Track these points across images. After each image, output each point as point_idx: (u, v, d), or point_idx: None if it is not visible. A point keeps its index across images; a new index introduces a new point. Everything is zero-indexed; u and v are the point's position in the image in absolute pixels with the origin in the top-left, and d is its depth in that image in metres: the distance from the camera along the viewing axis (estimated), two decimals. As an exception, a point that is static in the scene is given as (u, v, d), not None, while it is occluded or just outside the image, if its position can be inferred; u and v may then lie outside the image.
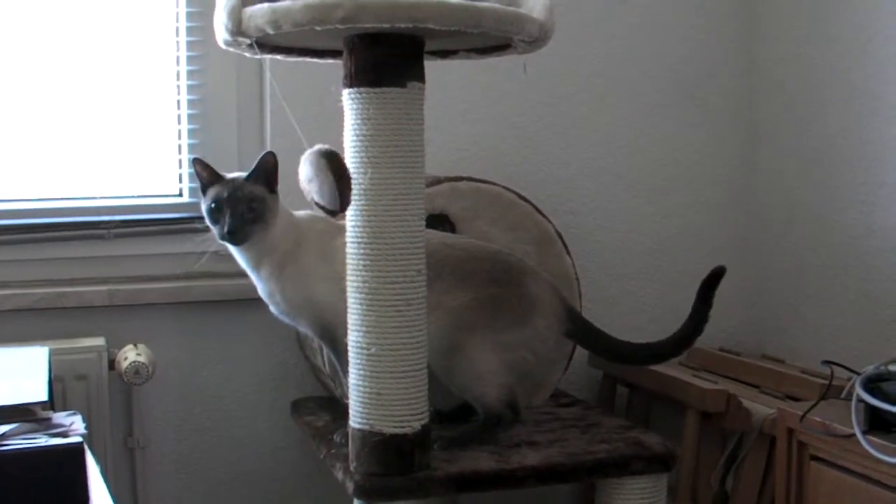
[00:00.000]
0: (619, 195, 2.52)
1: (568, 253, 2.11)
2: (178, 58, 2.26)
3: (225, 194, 1.72)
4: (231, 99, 2.27)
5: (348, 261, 1.63)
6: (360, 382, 1.62)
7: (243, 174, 1.76)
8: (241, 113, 2.28)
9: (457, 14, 1.49)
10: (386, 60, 1.58)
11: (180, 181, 2.30)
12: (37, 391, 1.50)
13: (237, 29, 1.55)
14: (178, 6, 2.25)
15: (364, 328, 1.61)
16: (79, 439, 1.32)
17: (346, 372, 1.68)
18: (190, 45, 2.25)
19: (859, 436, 1.59)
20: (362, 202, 1.60)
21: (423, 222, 1.65)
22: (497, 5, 1.56)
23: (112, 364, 2.08)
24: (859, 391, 1.63)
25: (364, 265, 1.60)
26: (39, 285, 2.15)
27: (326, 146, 1.62)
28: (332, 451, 1.80)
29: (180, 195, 2.30)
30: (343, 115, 1.62)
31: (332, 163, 1.60)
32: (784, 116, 2.48)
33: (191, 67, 2.26)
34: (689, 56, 2.54)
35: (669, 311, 2.53)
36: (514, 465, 1.71)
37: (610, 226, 2.52)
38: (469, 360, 1.78)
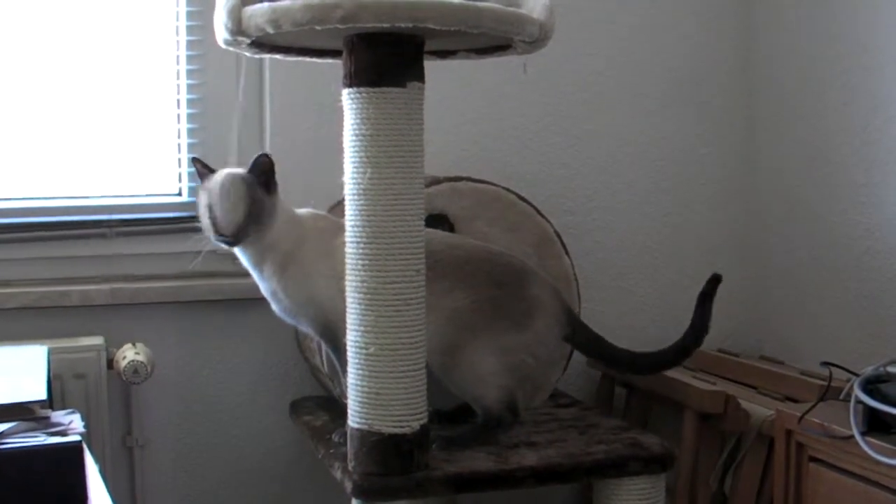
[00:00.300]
0: (618, 195, 2.52)
1: (567, 253, 2.11)
2: (177, 57, 2.26)
3: None
4: (231, 98, 2.27)
5: (347, 260, 1.63)
6: (359, 382, 1.62)
7: None
8: (240, 112, 2.28)
9: (457, 14, 1.48)
10: (386, 60, 1.58)
11: (180, 180, 2.30)
12: (36, 390, 1.50)
13: (237, 28, 1.55)
14: (178, 5, 2.25)
15: (363, 328, 1.61)
16: (77, 438, 1.32)
17: (345, 371, 1.68)
18: (190, 44, 2.25)
19: (858, 437, 1.58)
20: (362, 202, 1.60)
21: (423, 222, 1.64)
22: (497, 5, 1.56)
23: (111, 363, 2.08)
24: (858, 392, 1.63)
25: (363, 265, 1.60)
26: (39, 284, 2.15)
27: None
28: (331, 450, 1.80)
29: (179, 194, 2.30)
30: (342, 115, 1.62)
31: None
32: (783, 116, 2.48)
33: (191, 67, 2.26)
34: (688, 56, 2.55)
35: (668, 310, 2.53)
36: (513, 465, 1.71)
37: (609, 226, 2.52)
38: (469, 361, 1.78)
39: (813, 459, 1.74)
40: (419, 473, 1.64)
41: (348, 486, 1.64)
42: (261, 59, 2.23)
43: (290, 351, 2.29)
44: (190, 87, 2.26)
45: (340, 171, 1.63)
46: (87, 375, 2.04)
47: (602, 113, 2.49)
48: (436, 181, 2.03)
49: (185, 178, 2.28)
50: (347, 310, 1.64)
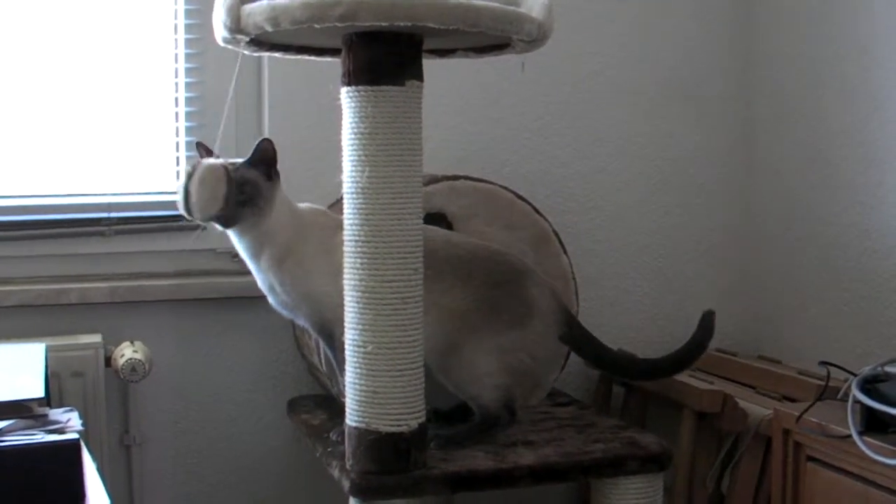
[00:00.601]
0: (616, 194, 2.52)
1: (565, 252, 2.11)
2: (176, 55, 2.26)
3: None
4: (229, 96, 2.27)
5: (345, 258, 1.63)
6: (357, 380, 1.62)
7: (242, 160, 1.76)
8: (239, 110, 2.28)
9: (455, 13, 1.48)
10: (384, 59, 1.57)
11: (178, 179, 2.30)
12: (33, 387, 1.51)
13: (236, 26, 1.55)
14: (176, 3, 2.25)
15: (361, 326, 1.61)
16: (75, 436, 1.32)
17: (342, 369, 1.68)
18: (188, 42, 2.25)
19: (855, 437, 1.59)
20: (360, 200, 1.60)
21: (421, 221, 1.64)
22: (496, 4, 1.56)
23: (109, 361, 2.08)
24: (856, 392, 1.63)
25: (361, 263, 1.60)
26: (37, 282, 2.15)
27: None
28: (329, 449, 1.80)
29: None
30: (341, 114, 1.62)
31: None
32: (782, 116, 2.48)
33: (189, 65, 2.26)
34: (686, 56, 2.55)
35: (666, 310, 2.54)
36: (511, 464, 1.71)
37: (607, 225, 2.52)
38: (467, 360, 1.78)
39: (810, 459, 1.74)
40: (417, 472, 1.64)
41: (346, 484, 1.64)
42: (259, 58, 2.23)
43: (288, 349, 2.29)
44: (188, 86, 2.26)
45: (339, 170, 1.63)
46: (85, 373, 2.04)
47: (601, 112, 2.49)
48: (434, 180, 2.03)
49: (183, 176, 2.28)
50: (345, 308, 1.64)
